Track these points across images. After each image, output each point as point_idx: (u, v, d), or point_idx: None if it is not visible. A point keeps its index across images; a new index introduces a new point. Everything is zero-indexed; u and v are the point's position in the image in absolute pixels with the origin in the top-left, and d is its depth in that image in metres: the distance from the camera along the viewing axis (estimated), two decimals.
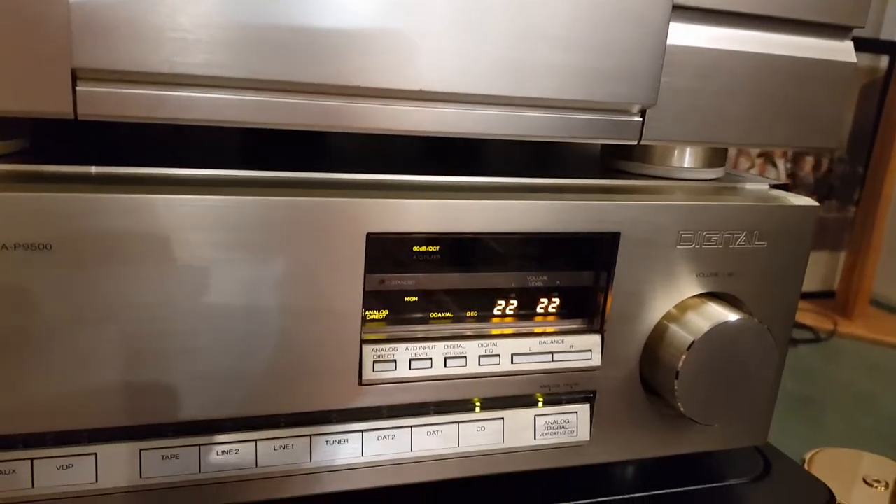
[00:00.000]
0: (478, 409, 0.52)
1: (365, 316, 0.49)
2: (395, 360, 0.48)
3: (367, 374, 0.48)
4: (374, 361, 0.48)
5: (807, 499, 0.59)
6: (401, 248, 0.49)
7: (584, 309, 0.53)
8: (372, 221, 0.45)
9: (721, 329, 0.51)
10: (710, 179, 0.57)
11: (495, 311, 0.52)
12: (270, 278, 0.44)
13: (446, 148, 0.67)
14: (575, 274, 0.52)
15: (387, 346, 0.48)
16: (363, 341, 0.48)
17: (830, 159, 2.02)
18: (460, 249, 0.50)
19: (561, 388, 0.52)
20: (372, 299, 0.48)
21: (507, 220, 0.48)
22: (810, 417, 1.41)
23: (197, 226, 0.42)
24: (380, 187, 0.47)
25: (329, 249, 0.45)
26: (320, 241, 0.45)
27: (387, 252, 0.48)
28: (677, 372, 0.51)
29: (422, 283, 0.50)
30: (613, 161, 0.59)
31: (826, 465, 0.84)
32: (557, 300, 0.53)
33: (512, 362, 0.51)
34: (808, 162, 1.97)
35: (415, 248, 0.49)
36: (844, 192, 2.01)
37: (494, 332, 0.51)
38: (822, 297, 1.98)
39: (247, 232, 0.43)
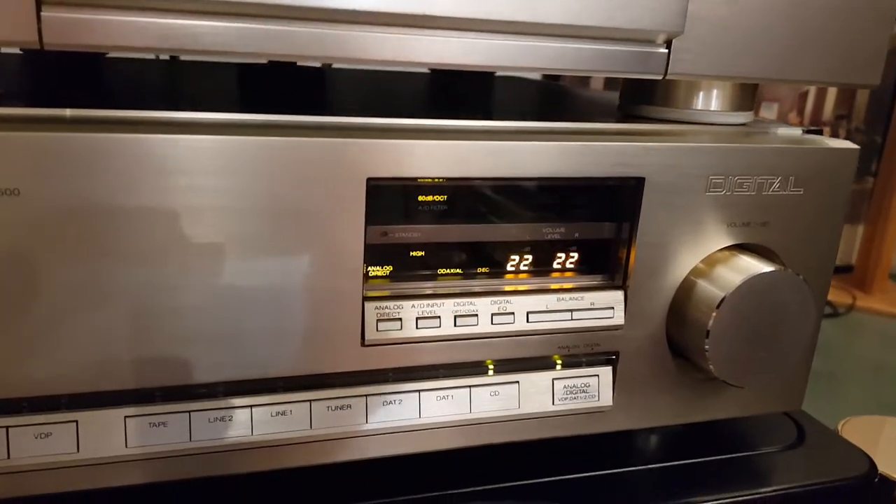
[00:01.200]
0: (491, 371, 0.47)
1: (367, 272, 0.45)
2: (400, 319, 0.44)
3: (371, 334, 0.44)
4: (378, 320, 0.44)
5: (846, 467, 0.55)
6: (405, 198, 0.45)
7: (605, 263, 0.49)
8: (372, 165, 0.41)
9: (754, 282, 0.47)
10: (739, 124, 0.53)
11: (509, 267, 0.48)
12: (260, 229, 0.40)
13: (454, 99, 0.63)
14: (595, 225, 0.48)
15: (391, 304, 0.44)
16: (365, 298, 0.44)
17: (847, 129, 1.97)
18: (469, 199, 0.46)
19: (581, 350, 0.48)
20: (374, 253, 0.44)
21: (519, 164, 0.44)
22: (831, 391, 1.37)
23: (180, 169, 0.38)
24: (382, 130, 0.42)
25: (326, 196, 0.41)
26: (316, 187, 0.40)
27: (390, 201, 0.44)
28: (707, 331, 0.47)
29: (428, 235, 0.45)
30: (633, 107, 0.55)
31: (858, 433, 0.79)
32: (576, 254, 0.48)
33: (527, 321, 0.47)
34: (825, 132, 1.91)
35: (420, 198, 0.45)
36: (862, 163, 1.96)
37: (508, 288, 0.47)
38: (839, 271, 1.93)
39: (234, 177, 0.39)
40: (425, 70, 0.89)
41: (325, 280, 0.42)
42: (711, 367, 0.48)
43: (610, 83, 1.14)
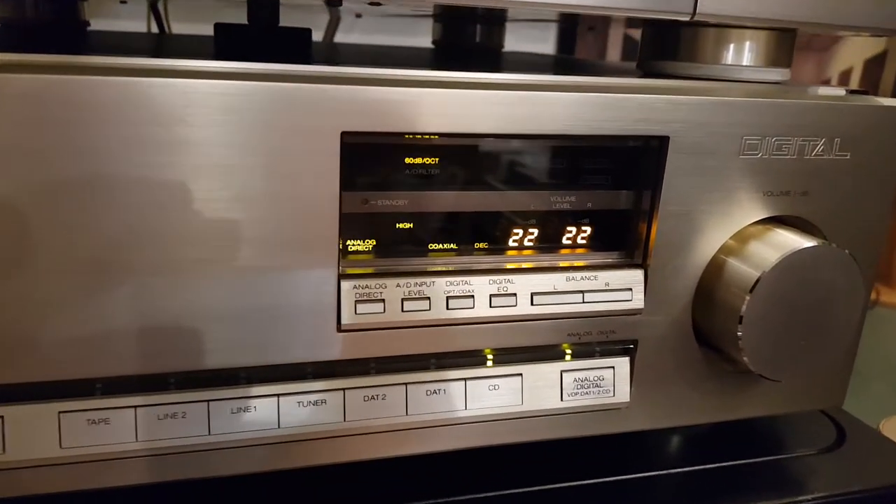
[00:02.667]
0: (490, 362, 0.41)
1: (346, 245, 0.38)
2: (383, 300, 0.38)
3: (348, 318, 0.37)
4: (357, 301, 0.37)
5: (892, 472, 0.48)
6: (390, 159, 0.38)
7: (622, 238, 0.42)
8: (348, 116, 0.35)
9: (794, 259, 0.40)
10: (775, 82, 0.46)
11: (511, 242, 0.41)
12: (213, 189, 0.34)
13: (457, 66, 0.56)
14: (611, 194, 0.42)
15: (372, 283, 0.38)
16: (342, 276, 0.37)
17: None
18: (466, 161, 0.39)
19: (594, 337, 0.42)
20: (353, 224, 0.38)
21: (523, 119, 0.37)
22: (859, 389, 1.30)
23: (123, 119, 0.32)
24: (362, 79, 0.36)
25: (292, 154, 0.34)
26: (281, 142, 0.34)
27: (371, 163, 0.38)
28: (741, 316, 0.40)
29: (417, 204, 0.39)
30: (655, 63, 0.48)
31: None
32: (589, 227, 0.42)
33: (532, 304, 0.40)
34: None
35: (408, 160, 0.38)
36: None
37: (510, 266, 0.41)
38: None
39: (184, 127, 0.32)
40: (428, 45, 0.83)
41: (292, 253, 0.36)
42: (745, 358, 0.41)
43: (627, 56, 1.07)
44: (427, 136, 0.38)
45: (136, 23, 0.92)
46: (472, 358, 0.41)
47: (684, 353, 0.44)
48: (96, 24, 0.69)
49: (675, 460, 0.47)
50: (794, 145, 0.42)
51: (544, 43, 1.15)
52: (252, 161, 0.34)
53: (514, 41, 1.03)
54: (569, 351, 0.42)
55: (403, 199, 0.39)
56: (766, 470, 0.48)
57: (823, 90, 0.45)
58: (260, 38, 0.56)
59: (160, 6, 0.90)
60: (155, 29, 0.90)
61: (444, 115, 0.36)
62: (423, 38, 0.89)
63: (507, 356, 0.41)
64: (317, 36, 0.94)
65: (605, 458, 0.46)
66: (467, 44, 0.81)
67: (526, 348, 0.41)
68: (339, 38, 0.97)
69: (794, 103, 0.41)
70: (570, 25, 1.06)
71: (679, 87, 0.40)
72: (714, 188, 0.41)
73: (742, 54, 0.46)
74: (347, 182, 0.37)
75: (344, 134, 0.35)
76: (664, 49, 0.48)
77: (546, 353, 0.42)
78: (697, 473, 0.47)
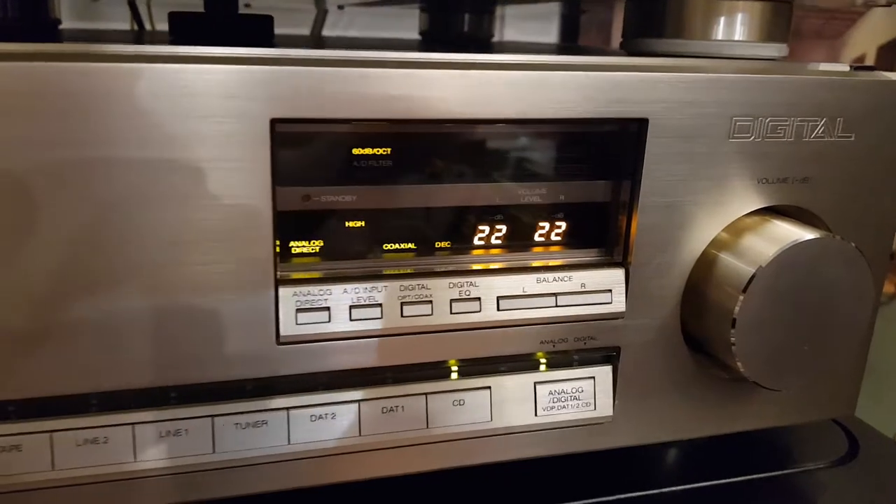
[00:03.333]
0: (454, 375, 0.37)
1: (289, 247, 0.34)
2: (328, 309, 0.34)
3: (288, 328, 0.33)
4: (298, 310, 0.33)
5: None
6: (334, 151, 0.34)
7: (599, 234, 0.38)
8: (277, 101, 0.31)
9: (794, 254, 0.36)
10: (770, 58, 0.42)
11: (476, 241, 0.37)
12: (139, 183, 0.30)
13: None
14: (586, 185, 0.37)
15: (315, 289, 0.34)
16: (280, 282, 0.33)
17: None
18: (421, 151, 0.35)
19: (570, 345, 0.37)
20: (294, 223, 0.34)
21: (484, 101, 0.33)
22: (876, 391, 1.24)
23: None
24: (296, 60, 0.32)
25: (218, 145, 0.30)
26: (203, 132, 0.30)
27: (312, 154, 0.34)
28: (734, 319, 0.36)
29: (368, 200, 0.35)
30: (639, 42, 0.43)
31: None
32: (562, 223, 0.38)
33: (498, 309, 0.36)
34: None
35: (356, 150, 0.34)
36: None
37: (474, 267, 0.36)
38: None
39: (99, 117, 0.28)
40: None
41: (222, 256, 0.32)
42: (739, 365, 0.37)
43: None
44: (375, 123, 0.34)
45: (122, 24, 0.88)
46: (433, 370, 0.37)
47: (673, 360, 0.39)
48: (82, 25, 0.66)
49: (669, 477, 0.43)
50: (790, 127, 0.37)
51: (547, 35, 1.10)
52: (171, 154, 0.30)
53: (516, 33, 0.99)
54: (543, 360, 0.38)
55: (351, 195, 0.35)
56: (771, 486, 0.43)
57: (824, 66, 0.41)
58: (217, 26, 0.52)
59: (142, 4, 0.86)
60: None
61: (389, 99, 0.32)
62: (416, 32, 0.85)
63: (473, 367, 0.37)
64: (305, 30, 0.90)
65: (590, 475, 0.42)
66: (455, 33, 0.77)
67: (494, 358, 0.37)
68: (334, 35, 0.93)
69: (790, 79, 0.37)
70: (571, 14, 1.01)
71: (658, 64, 0.36)
72: (702, 176, 0.37)
73: (734, 28, 0.41)
74: (283, 176, 0.33)
75: (275, 122, 0.31)
76: (649, 25, 0.43)
77: (517, 363, 0.38)
78: (694, 492, 0.42)
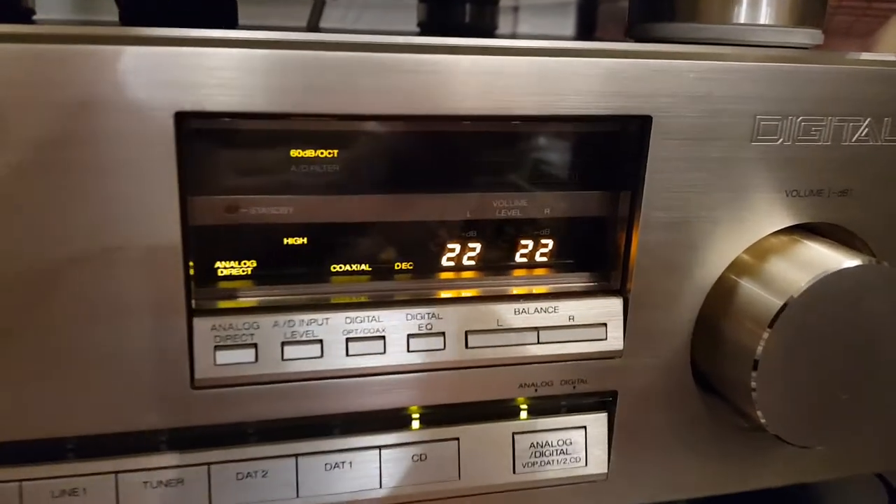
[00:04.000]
0: (415, 424, 0.30)
1: (214, 268, 0.28)
2: (254, 346, 0.27)
3: (204, 370, 0.27)
4: (217, 347, 0.27)
5: None
6: (267, 151, 0.28)
7: (592, 255, 0.32)
8: (185, 89, 0.24)
9: (831, 283, 0.30)
10: (802, 46, 0.35)
11: (444, 261, 0.30)
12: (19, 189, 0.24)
13: None
14: (577, 196, 0.31)
15: (239, 322, 0.27)
16: (195, 312, 0.27)
17: None
18: (375, 153, 0.29)
19: (556, 389, 0.31)
20: (218, 240, 0.28)
21: (451, 93, 0.27)
22: None
23: None
24: (210, 40, 0.25)
25: (111, 144, 0.24)
26: (95, 127, 0.24)
27: (239, 157, 0.27)
28: (756, 360, 0.30)
29: (309, 211, 0.29)
30: (648, 28, 0.37)
31: None
32: (549, 240, 0.31)
33: (467, 346, 0.29)
34: None
35: (294, 153, 0.28)
36: None
37: (439, 295, 0.30)
38: None
39: None
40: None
41: (127, 280, 0.25)
42: (760, 415, 0.31)
43: None
44: (320, 119, 0.27)
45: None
46: (390, 420, 0.30)
47: (681, 407, 0.33)
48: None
49: None
50: (827, 128, 0.31)
51: (563, 30, 1.04)
52: (56, 154, 0.24)
53: (530, 28, 0.92)
54: (524, 406, 0.32)
55: (287, 206, 0.28)
56: None
57: (867, 55, 0.34)
58: (172, 6, 0.46)
59: None
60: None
61: (332, 88, 0.26)
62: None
63: (437, 415, 0.31)
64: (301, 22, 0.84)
65: None
66: (455, 24, 0.71)
67: (463, 406, 0.31)
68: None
69: (827, 70, 0.30)
70: (587, 5, 0.94)
71: (664, 50, 0.29)
72: (718, 187, 0.30)
73: (759, 9, 0.35)
74: (199, 183, 0.26)
75: (181, 115, 0.25)
76: (658, 8, 0.37)
77: (492, 409, 0.31)
78: None
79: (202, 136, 0.26)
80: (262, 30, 0.26)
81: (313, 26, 0.90)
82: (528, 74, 0.27)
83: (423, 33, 0.66)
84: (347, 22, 0.82)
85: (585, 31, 0.96)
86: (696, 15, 0.35)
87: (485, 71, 0.27)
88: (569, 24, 0.98)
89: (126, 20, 0.44)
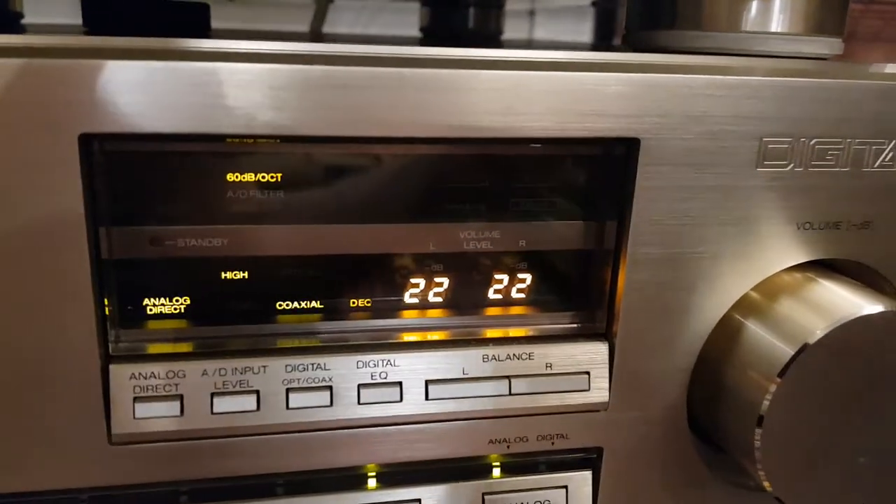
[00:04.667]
0: (371, 483, 0.27)
1: (142, 306, 0.25)
2: (179, 397, 0.24)
3: (121, 424, 0.24)
4: (136, 399, 0.24)
5: None
6: (196, 177, 0.24)
7: (573, 293, 0.28)
8: (89, 108, 0.21)
9: (852, 330, 0.26)
10: (818, 56, 0.31)
11: (406, 298, 0.27)
12: None
13: None
14: (555, 226, 0.27)
15: (162, 370, 0.24)
16: (112, 358, 0.23)
17: None
18: (324, 179, 0.25)
19: (533, 445, 0.27)
20: (143, 275, 0.24)
21: (411, 111, 0.23)
22: None
23: None
24: (119, 54, 0.22)
25: (17, 168, 0.21)
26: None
27: (164, 183, 0.24)
28: (761, 416, 0.26)
29: (244, 243, 0.25)
30: (645, 36, 0.33)
31: None
32: (526, 275, 0.27)
33: (427, 397, 0.26)
34: None
35: (231, 177, 0.24)
36: None
37: (401, 337, 0.26)
38: None
39: None
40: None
41: (32, 323, 0.22)
42: (762, 477, 0.27)
43: None
44: (259, 141, 0.24)
45: None
46: (342, 481, 0.27)
47: (675, 464, 0.29)
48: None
49: None
50: (845, 152, 0.27)
51: (580, 36, 1.00)
52: None
53: (545, 33, 0.88)
54: (496, 464, 0.28)
55: (220, 238, 0.25)
56: None
57: (892, 67, 0.30)
58: (138, 13, 0.43)
59: None
60: None
61: (266, 105, 0.22)
62: None
63: (397, 474, 0.27)
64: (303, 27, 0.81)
65: None
66: (458, 30, 0.68)
67: (426, 463, 0.27)
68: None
69: (846, 85, 0.26)
70: (606, 8, 0.91)
71: (654, 61, 0.26)
72: (718, 219, 0.27)
73: (769, 15, 0.30)
74: (109, 212, 0.23)
75: (86, 138, 0.21)
76: (657, 13, 0.33)
77: (459, 467, 0.28)
78: None
79: (119, 160, 0.23)
80: (261, 37, 0.23)
81: (316, 31, 0.87)
82: (492, 90, 0.23)
83: (425, 39, 0.63)
84: (343, 26, 0.78)
85: (604, 37, 0.92)
86: (700, 21, 0.31)
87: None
88: (586, 30, 0.94)
89: (90, 27, 0.41)
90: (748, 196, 0.27)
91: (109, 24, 0.41)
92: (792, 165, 0.27)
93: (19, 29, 0.50)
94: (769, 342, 0.27)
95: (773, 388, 0.26)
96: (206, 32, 0.45)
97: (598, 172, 0.27)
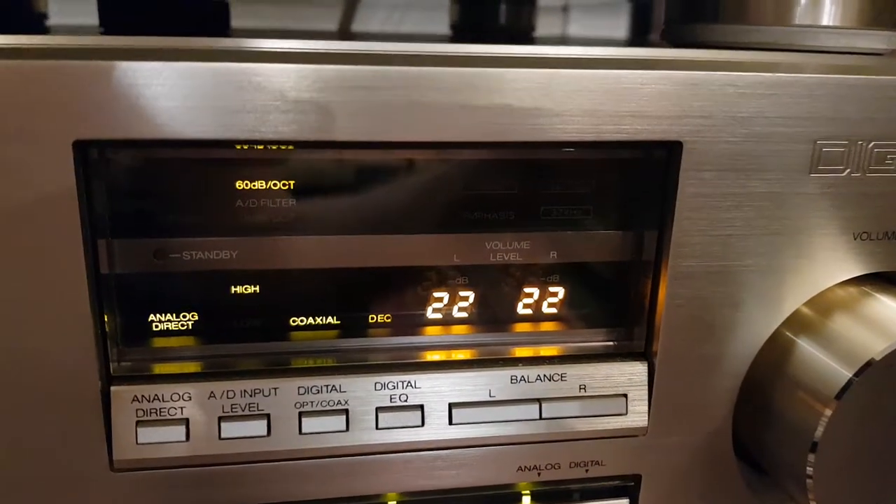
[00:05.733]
0: None
1: (148, 322, 0.23)
2: (185, 421, 0.22)
3: (124, 450, 0.22)
4: (139, 423, 0.22)
5: None
6: (204, 185, 0.23)
7: (610, 309, 0.26)
8: (84, 114, 0.19)
9: None
10: (872, 52, 0.29)
11: (429, 314, 0.25)
12: None
13: None
14: (591, 237, 0.25)
15: (167, 391, 0.22)
16: (113, 380, 0.22)
17: None
18: (339, 187, 0.23)
19: (565, 472, 0.25)
20: (147, 290, 0.23)
21: (429, 115, 0.21)
22: None
23: None
24: (113, 54, 0.20)
25: (12, 178, 0.19)
26: None
27: (167, 191, 0.22)
28: (815, 442, 0.23)
29: (255, 256, 0.23)
30: (685, 29, 0.31)
31: None
32: (558, 289, 0.25)
33: (451, 422, 0.24)
34: None
35: (240, 185, 0.23)
36: None
37: (423, 356, 0.24)
38: None
39: None
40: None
41: (29, 342, 0.21)
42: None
43: None
44: (272, 148, 0.22)
45: None
46: None
47: (719, 492, 0.27)
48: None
49: None
50: None
51: (616, 31, 0.97)
52: None
53: (579, 29, 0.86)
54: (526, 492, 0.26)
55: (230, 250, 0.23)
56: None
57: None
58: (156, 11, 0.42)
59: None
60: None
61: (262, 109, 0.20)
62: None
63: (420, 503, 0.25)
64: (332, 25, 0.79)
65: None
66: (489, 26, 0.66)
67: (450, 491, 0.25)
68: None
69: None
70: (642, 9, 0.88)
71: (699, 58, 0.23)
72: (767, 229, 0.24)
73: (821, 8, 0.28)
74: (107, 223, 0.21)
75: (81, 145, 0.20)
76: (699, 6, 0.31)
77: (486, 497, 0.26)
78: None
79: (110, 166, 0.21)
80: (285, 36, 0.22)
81: (345, 30, 0.85)
82: (521, 90, 0.21)
83: (456, 37, 0.61)
84: (375, 24, 0.77)
85: (640, 32, 0.89)
86: (745, 14, 0.29)
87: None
88: (621, 26, 0.92)
89: (106, 28, 0.39)
90: (800, 204, 0.25)
91: (124, 24, 0.40)
92: (848, 170, 0.24)
93: (42, 30, 0.49)
94: (824, 362, 0.25)
95: (828, 412, 0.24)
96: (226, 32, 0.43)
97: (636, 178, 0.25)
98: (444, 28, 0.71)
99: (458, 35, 0.62)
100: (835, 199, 0.25)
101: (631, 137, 0.23)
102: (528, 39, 0.60)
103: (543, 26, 0.72)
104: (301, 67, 0.20)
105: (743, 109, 0.23)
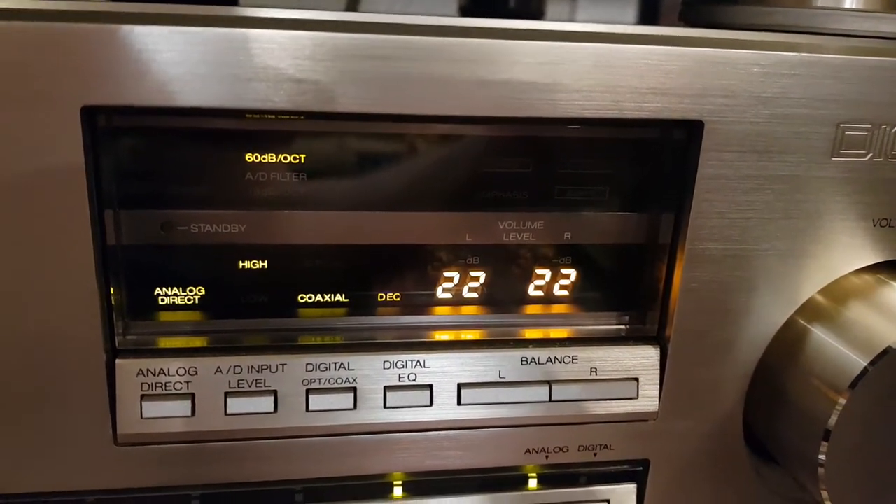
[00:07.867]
0: (397, 492, 0.24)
1: (154, 296, 0.23)
2: (190, 396, 0.22)
3: (128, 423, 0.22)
4: (144, 397, 0.22)
5: None
6: (214, 156, 0.22)
7: (623, 292, 0.25)
8: (92, 76, 0.19)
9: None
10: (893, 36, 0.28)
11: (439, 293, 0.24)
12: None
13: None
14: (605, 218, 0.25)
15: (172, 365, 0.22)
16: (117, 352, 0.21)
17: None
18: (351, 161, 0.23)
19: (573, 456, 0.25)
20: (154, 263, 0.22)
21: (441, 90, 0.20)
22: None
23: None
24: (123, 18, 0.20)
25: (8, 144, 0.19)
26: None
27: (178, 161, 0.22)
28: (827, 430, 0.23)
29: (264, 230, 0.23)
30: (704, 10, 0.30)
31: None
32: (571, 271, 0.25)
33: (459, 402, 0.23)
34: None
35: (250, 157, 0.22)
36: None
37: (432, 336, 0.24)
38: None
39: None
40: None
41: (33, 313, 0.20)
42: (826, 497, 0.24)
43: None
44: (281, 118, 0.22)
45: None
46: (365, 488, 0.25)
47: (729, 479, 0.27)
48: None
49: None
50: None
51: (624, 19, 0.97)
52: None
53: (588, 17, 0.85)
54: (533, 475, 0.26)
55: (238, 224, 0.23)
56: None
57: None
58: None
59: None
60: None
61: (273, 78, 0.20)
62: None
63: (426, 485, 0.25)
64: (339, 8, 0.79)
65: None
66: (499, 8, 0.65)
67: (457, 472, 0.25)
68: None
69: None
70: None
71: (719, 37, 0.23)
72: (787, 212, 0.24)
73: None
74: (114, 193, 0.21)
75: (88, 111, 0.19)
76: None
77: (493, 479, 0.25)
78: None
79: (119, 135, 0.21)
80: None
81: (351, 8, 0.84)
82: (537, 63, 0.21)
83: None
84: (381, 5, 0.76)
85: (650, 22, 0.88)
86: None
87: (478, 59, 0.21)
88: (630, 15, 0.91)
89: None
90: (820, 188, 0.24)
91: None
92: (871, 155, 0.24)
93: None
94: (839, 351, 0.25)
95: (842, 400, 0.24)
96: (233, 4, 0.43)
97: (654, 158, 0.24)
98: (451, 13, 0.70)
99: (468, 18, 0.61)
100: (856, 184, 0.24)
101: (652, 115, 0.22)
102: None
103: (552, 13, 0.71)
104: (317, 35, 0.20)
105: (767, 89, 0.22)
